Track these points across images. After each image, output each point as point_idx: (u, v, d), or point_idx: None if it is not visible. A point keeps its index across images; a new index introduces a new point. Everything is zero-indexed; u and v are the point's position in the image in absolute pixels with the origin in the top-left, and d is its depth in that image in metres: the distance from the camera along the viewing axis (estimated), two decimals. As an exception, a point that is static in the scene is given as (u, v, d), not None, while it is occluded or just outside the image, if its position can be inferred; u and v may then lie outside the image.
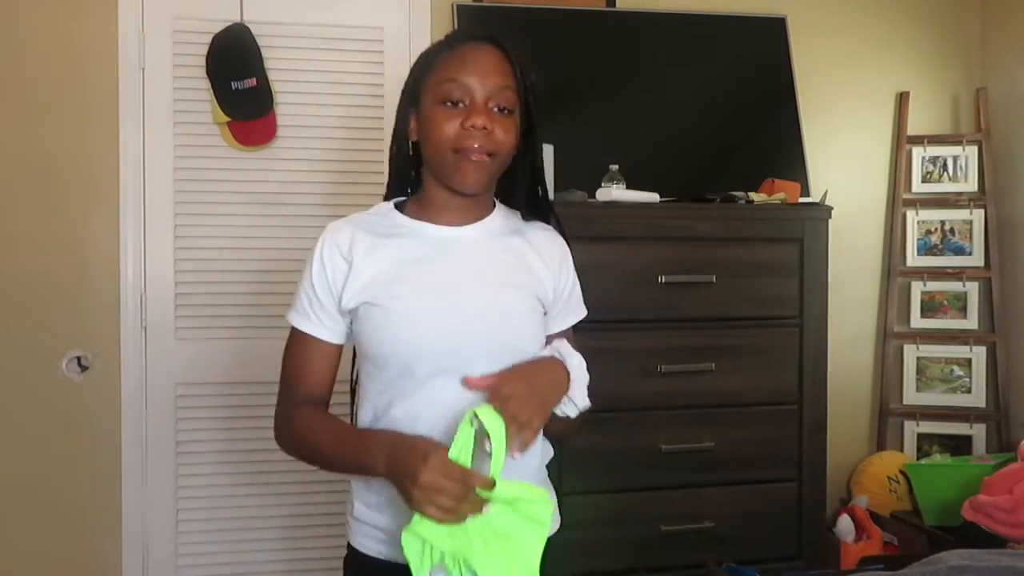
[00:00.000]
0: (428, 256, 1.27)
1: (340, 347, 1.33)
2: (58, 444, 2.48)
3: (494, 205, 1.36)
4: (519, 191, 1.34)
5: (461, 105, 1.23)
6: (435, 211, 1.31)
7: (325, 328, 1.30)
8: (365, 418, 1.31)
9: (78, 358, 2.49)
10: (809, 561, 2.40)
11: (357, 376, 1.35)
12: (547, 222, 1.38)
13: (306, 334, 1.32)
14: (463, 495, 1.06)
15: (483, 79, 1.23)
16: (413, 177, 1.35)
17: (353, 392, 1.39)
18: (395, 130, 1.33)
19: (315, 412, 1.30)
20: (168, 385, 2.52)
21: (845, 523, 2.66)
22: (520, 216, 1.37)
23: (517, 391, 1.14)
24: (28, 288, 2.46)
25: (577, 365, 1.26)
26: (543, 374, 1.22)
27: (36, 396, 2.47)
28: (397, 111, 1.31)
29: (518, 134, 1.28)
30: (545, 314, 1.33)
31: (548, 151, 2.24)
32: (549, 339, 1.32)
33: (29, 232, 2.46)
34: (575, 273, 1.40)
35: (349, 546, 1.35)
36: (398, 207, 1.34)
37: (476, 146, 1.22)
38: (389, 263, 1.26)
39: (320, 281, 1.29)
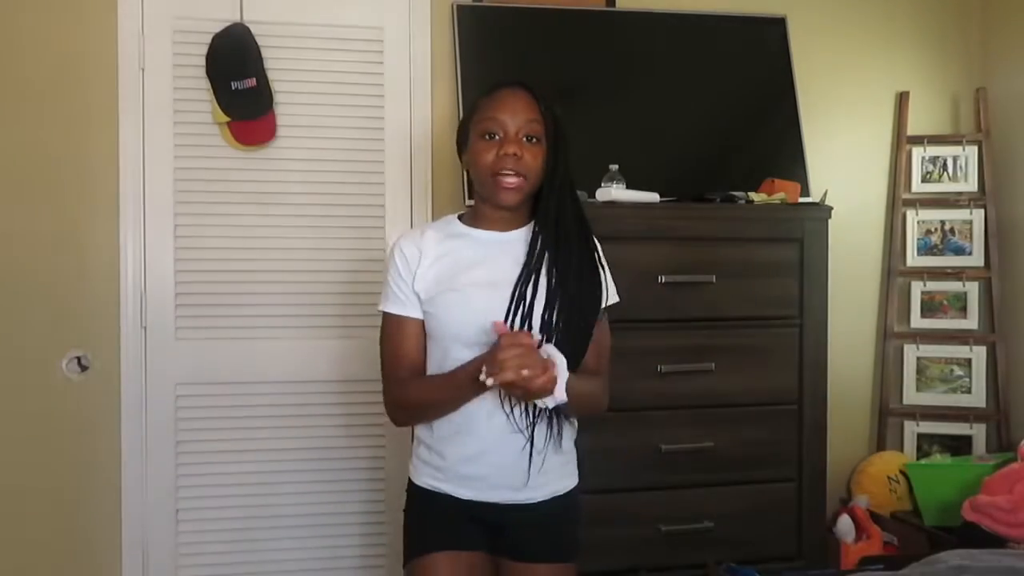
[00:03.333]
0: (480, 255, 1.63)
1: (423, 323, 1.65)
2: (58, 444, 2.48)
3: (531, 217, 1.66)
4: (547, 206, 1.61)
5: (497, 138, 1.57)
6: (484, 220, 1.66)
7: (412, 306, 1.63)
8: None
9: (78, 358, 2.49)
10: (809, 561, 2.39)
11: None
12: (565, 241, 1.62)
13: (398, 316, 1.64)
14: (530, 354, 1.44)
15: (514, 115, 1.57)
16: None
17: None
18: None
19: (419, 378, 1.64)
20: (168, 385, 2.52)
21: (845, 523, 2.66)
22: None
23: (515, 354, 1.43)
24: (28, 288, 2.46)
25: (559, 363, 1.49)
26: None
27: (36, 396, 2.46)
28: (457, 147, 1.71)
29: (546, 158, 1.59)
30: None
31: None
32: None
33: (29, 232, 2.46)
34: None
35: (410, 481, 1.71)
36: (460, 217, 1.70)
37: (510, 168, 1.56)
38: (451, 258, 1.62)
39: (404, 268, 1.63)
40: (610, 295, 1.68)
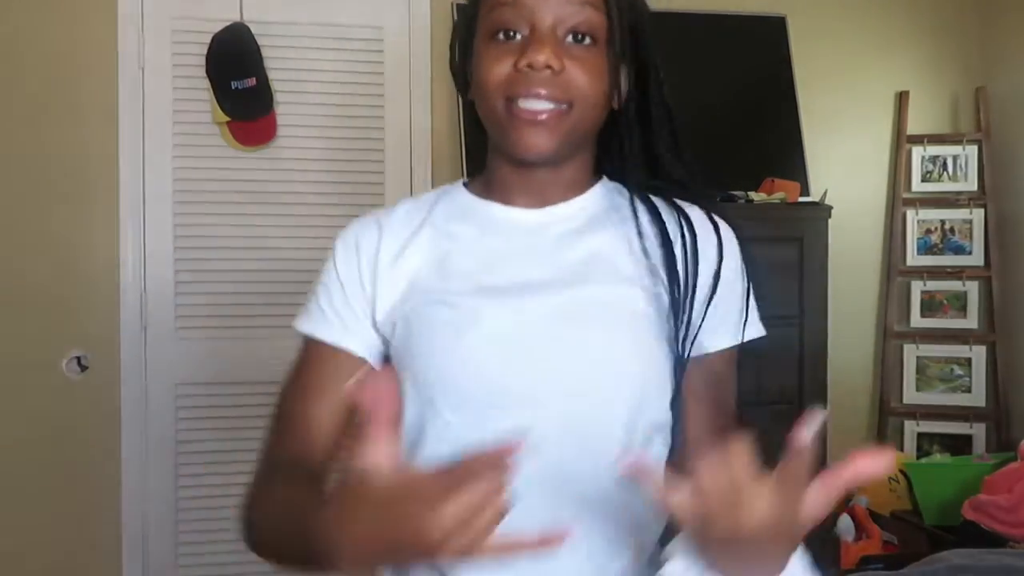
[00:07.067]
0: (497, 247, 0.88)
1: (365, 366, 0.90)
2: (58, 444, 2.48)
3: (597, 179, 0.93)
4: (628, 161, 0.93)
5: (519, 36, 0.82)
6: (502, 190, 0.90)
7: (345, 329, 0.89)
8: None
9: (78, 358, 2.49)
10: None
11: None
12: (681, 197, 0.96)
13: (318, 344, 0.90)
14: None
15: None
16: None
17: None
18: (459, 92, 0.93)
19: (294, 476, 0.83)
20: (168, 385, 2.52)
21: (845, 523, 2.66)
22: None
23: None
24: (28, 288, 2.45)
25: None
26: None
27: (36, 396, 2.46)
28: (451, 68, 0.93)
29: (615, 75, 0.85)
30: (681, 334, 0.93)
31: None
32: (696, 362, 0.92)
33: (29, 232, 2.46)
34: (738, 282, 0.97)
35: None
36: (467, 185, 0.95)
37: (538, 92, 0.81)
38: (438, 256, 0.87)
39: (344, 264, 0.90)
40: (752, 321, 0.98)
